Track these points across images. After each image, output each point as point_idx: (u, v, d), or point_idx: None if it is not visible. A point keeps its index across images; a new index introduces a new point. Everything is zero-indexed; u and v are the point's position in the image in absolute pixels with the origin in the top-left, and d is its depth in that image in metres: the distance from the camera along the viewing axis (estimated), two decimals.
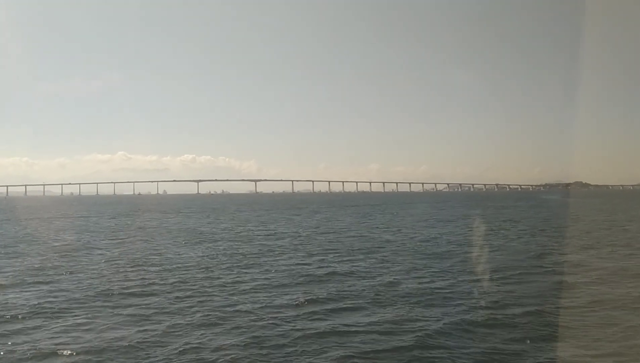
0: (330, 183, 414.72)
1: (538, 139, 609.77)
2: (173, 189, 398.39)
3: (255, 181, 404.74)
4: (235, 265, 22.14)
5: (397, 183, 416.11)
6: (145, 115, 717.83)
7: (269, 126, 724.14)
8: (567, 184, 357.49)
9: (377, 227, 44.46)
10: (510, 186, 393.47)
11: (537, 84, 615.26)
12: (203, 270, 20.90)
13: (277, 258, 24.39)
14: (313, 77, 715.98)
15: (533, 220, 51.06)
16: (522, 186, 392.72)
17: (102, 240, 34.22)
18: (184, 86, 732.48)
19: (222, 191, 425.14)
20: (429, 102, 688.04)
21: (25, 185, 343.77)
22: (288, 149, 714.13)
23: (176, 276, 19.17)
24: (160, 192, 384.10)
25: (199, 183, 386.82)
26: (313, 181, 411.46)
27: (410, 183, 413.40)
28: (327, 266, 21.56)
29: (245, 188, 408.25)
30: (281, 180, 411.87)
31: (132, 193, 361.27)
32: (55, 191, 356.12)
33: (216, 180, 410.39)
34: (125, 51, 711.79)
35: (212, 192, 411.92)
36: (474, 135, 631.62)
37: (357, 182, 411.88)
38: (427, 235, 35.95)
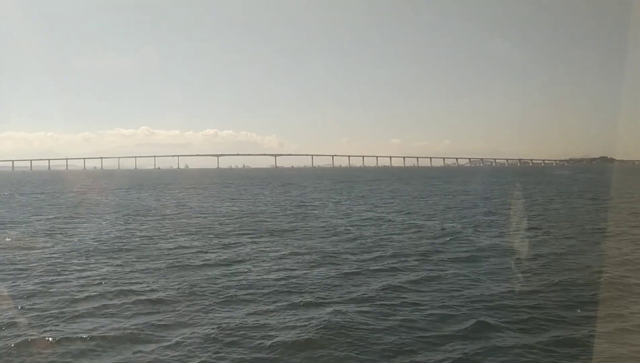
0: (350, 157, 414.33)
1: (565, 113, 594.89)
2: (195, 163, 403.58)
3: (275, 155, 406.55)
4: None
5: (417, 157, 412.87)
6: (168, 90, 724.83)
7: (291, 101, 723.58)
8: (592, 159, 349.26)
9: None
10: (533, 161, 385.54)
11: (566, 58, 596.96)
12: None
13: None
14: (336, 51, 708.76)
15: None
16: (546, 161, 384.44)
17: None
18: (207, 61, 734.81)
19: (243, 165, 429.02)
20: (454, 76, 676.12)
21: (49, 159, 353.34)
22: (309, 124, 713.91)
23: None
24: (182, 166, 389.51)
25: (220, 158, 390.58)
26: (333, 156, 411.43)
27: (431, 158, 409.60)
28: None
29: (266, 162, 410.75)
30: (301, 155, 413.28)
31: (153, 167, 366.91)
32: (78, 165, 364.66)
33: (236, 154, 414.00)
34: (152, 28, 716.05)
35: (232, 166, 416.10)
36: (499, 109, 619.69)
37: (377, 156, 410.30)
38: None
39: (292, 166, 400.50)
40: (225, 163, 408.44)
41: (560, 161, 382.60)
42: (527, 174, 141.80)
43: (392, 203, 45.77)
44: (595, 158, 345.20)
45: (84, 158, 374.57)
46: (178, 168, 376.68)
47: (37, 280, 15.03)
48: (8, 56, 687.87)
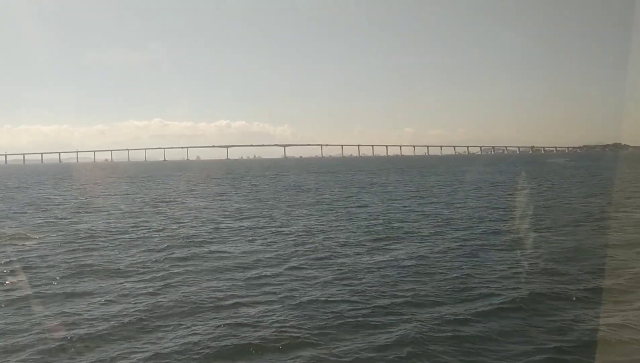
0: (360, 146, 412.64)
1: (579, 100, 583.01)
2: (207, 154, 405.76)
3: (284, 146, 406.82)
4: None
5: (427, 146, 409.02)
6: (181, 82, 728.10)
7: (304, 90, 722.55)
8: (605, 146, 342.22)
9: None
10: (545, 149, 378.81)
11: (581, 44, 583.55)
12: None
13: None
14: (350, 41, 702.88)
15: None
16: (558, 148, 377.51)
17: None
18: (219, 53, 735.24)
19: (254, 156, 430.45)
20: (469, 64, 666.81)
21: (59, 152, 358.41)
22: (322, 114, 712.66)
23: None
24: (193, 158, 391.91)
25: (230, 149, 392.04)
26: (342, 146, 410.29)
27: (441, 146, 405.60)
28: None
29: (278, 152, 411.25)
30: (310, 144, 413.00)
31: (162, 159, 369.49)
32: (90, 157, 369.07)
33: (245, 145, 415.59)
34: (164, 21, 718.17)
35: (244, 157, 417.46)
36: (513, 98, 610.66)
37: (386, 146, 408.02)
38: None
39: (301, 157, 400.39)
40: (237, 153, 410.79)
41: (573, 148, 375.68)
42: (517, 164, 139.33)
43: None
44: (608, 145, 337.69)
45: (94, 151, 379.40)
46: (187, 159, 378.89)
47: None
48: (22, 51, 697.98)
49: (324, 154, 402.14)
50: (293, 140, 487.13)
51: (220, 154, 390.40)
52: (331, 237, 21.20)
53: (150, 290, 13.49)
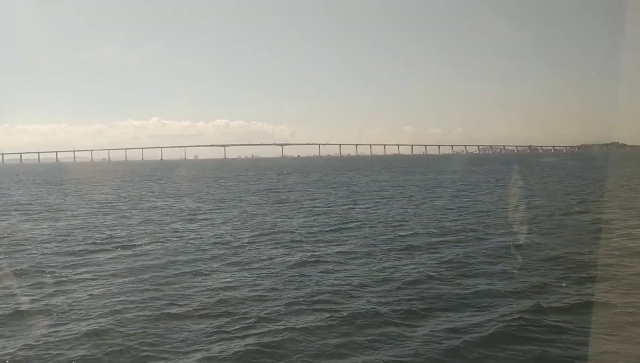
0: (358, 146, 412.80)
1: (577, 99, 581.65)
2: (204, 154, 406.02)
3: (282, 145, 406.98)
4: None
5: (425, 145, 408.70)
6: (178, 81, 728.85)
7: (303, 90, 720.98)
8: (603, 145, 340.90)
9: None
10: (543, 148, 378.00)
11: (579, 41, 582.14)
12: None
13: None
14: (347, 38, 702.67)
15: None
16: (556, 147, 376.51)
17: None
18: (217, 52, 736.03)
19: (252, 155, 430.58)
20: (468, 62, 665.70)
21: (57, 151, 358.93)
22: (321, 113, 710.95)
23: None
24: (191, 157, 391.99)
25: (228, 148, 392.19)
26: (340, 145, 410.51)
27: (439, 145, 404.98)
28: None
29: (276, 152, 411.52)
30: (308, 144, 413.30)
31: (160, 158, 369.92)
32: (87, 156, 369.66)
33: (243, 144, 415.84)
34: (160, 19, 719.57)
35: (242, 156, 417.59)
36: (512, 97, 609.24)
37: (384, 145, 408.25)
38: None
39: (298, 156, 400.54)
40: (235, 153, 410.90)
41: (571, 146, 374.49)
42: (507, 163, 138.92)
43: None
44: (606, 144, 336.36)
45: (92, 150, 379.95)
46: (185, 158, 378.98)
47: None
48: (20, 49, 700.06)
49: (322, 154, 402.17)
50: (292, 139, 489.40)
51: (218, 154, 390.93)
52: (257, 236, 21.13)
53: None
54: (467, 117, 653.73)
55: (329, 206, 33.85)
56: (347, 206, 33.68)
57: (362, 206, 33.98)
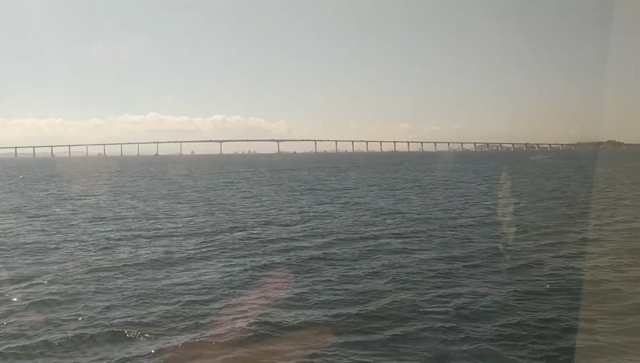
0: (354, 142, 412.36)
1: (575, 97, 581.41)
2: (202, 149, 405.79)
3: (279, 141, 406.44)
4: None
5: (421, 142, 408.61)
6: (176, 76, 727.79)
7: (300, 86, 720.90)
8: (599, 144, 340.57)
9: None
10: (539, 146, 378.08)
11: (576, 38, 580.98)
12: None
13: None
14: (345, 34, 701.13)
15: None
16: (552, 145, 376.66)
17: None
18: (214, 47, 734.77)
19: (249, 151, 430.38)
20: (466, 60, 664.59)
21: (52, 146, 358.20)
22: (319, 110, 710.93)
23: None
24: (188, 153, 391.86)
25: (224, 143, 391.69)
26: (336, 141, 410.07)
27: (435, 143, 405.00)
28: None
29: (273, 148, 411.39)
30: (304, 140, 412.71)
31: (155, 153, 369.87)
32: (82, 151, 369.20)
33: (239, 140, 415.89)
34: (159, 13, 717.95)
35: (238, 152, 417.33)
36: (509, 94, 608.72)
37: (380, 142, 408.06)
38: None
39: (294, 152, 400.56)
40: (231, 148, 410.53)
41: (567, 145, 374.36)
42: (496, 160, 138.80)
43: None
44: (602, 142, 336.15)
45: (87, 145, 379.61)
46: (181, 153, 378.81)
47: None
48: (17, 44, 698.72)
49: (318, 150, 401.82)
50: (289, 136, 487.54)
51: (214, 149, 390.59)
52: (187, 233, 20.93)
53: None
54: (463, 115, 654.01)
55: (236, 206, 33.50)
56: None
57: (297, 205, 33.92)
